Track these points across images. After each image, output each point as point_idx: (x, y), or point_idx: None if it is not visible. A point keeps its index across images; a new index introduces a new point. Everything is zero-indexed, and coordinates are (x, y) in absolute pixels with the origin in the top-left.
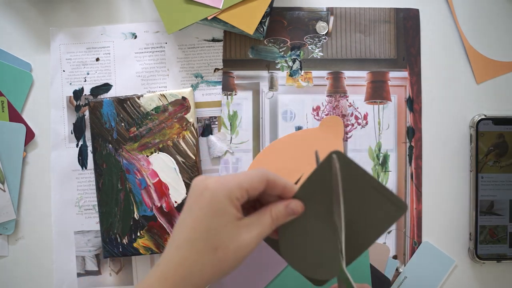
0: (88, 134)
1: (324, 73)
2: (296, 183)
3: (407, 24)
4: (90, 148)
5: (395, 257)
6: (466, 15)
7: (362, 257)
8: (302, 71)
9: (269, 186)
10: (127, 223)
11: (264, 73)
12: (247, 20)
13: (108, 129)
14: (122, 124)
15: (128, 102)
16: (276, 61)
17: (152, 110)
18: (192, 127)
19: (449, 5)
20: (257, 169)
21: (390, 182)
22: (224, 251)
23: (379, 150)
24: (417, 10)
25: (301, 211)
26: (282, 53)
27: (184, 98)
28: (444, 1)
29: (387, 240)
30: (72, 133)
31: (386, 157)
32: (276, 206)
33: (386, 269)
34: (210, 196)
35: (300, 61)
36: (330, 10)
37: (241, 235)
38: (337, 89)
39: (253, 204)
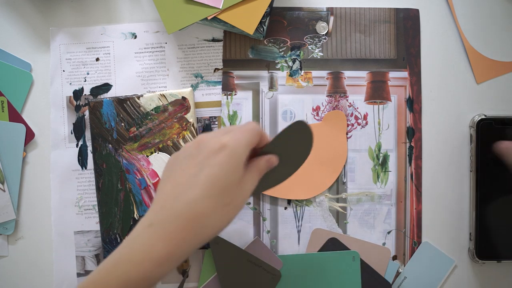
0: (88, 134)
1: (324, 73)
2: None
3: (407, 24)
4: (90, 148)
5: (394, 257)
6: (466, 15)
7: (353, 264)
8: (302, 71)
9: (260, 140)
10: (127, 223)
11: (264, 73)
12: (247, 20)
13: (108, 129)
14: (122, 124)
15: (128, 102)
16: (276, 61)
17: (152, 110)
18: (192, 127)
19: (449, 5)
20: (249, 123)
21: (390, 182)
22: (232, 206)
23: (379, 150)
24: (417, 10)
25: (275, 164)
26: (282, 53)
27: (184, 98)
28: (444, 1)
29: (387, 241)
30: (72, 133)
31: (386, 157)
32: (260, 161)
33: (386, 272)
34: (229, 154)
35: (300, 61)
36: (330, 10)
37: (243, 190)
38: (337, 89)
39: None
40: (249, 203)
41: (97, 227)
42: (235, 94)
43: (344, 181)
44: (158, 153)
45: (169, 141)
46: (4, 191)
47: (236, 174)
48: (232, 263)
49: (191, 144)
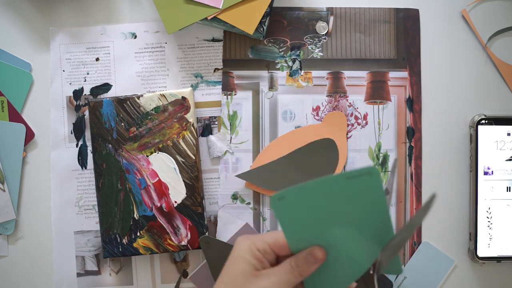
0: (88, 134)
1: (324, 73)
2: None
3: (407, 24)
4: (90, 148)
5: None
6: (469, 16)
7: (370, 181)
8: (302, 71)
9: None
10: (127, 223)
11: (264, 73)
12: (247, 20)
13: (108, 129)
14: (122, 124)
15: (128, 102)
16: (276, 61)
17: (152, 110)
18: (192, 127)
19: (449, 5)
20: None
21: (390, 182)
22: None
23: (379, 150)
24: (417, 10)
25: (323, 258)
26: (282, 53)
27: (184, 98)
28: (444, 1)
29: None
30: (72, 133)
31: (386, 157)
32: (297, 255)
33: None
34: (236, 248)
35: (300, 61)
36: (330, 10)
37: (259, 281)
38: (337, 89)
39: None
40: (249, 203)
41: (97, 227)
42: (235, 94)
43: None
44: (158, 153)
45: (169, 141)
46: (4, 191)
47: (240, 264)
48: (224, 260)
49: None
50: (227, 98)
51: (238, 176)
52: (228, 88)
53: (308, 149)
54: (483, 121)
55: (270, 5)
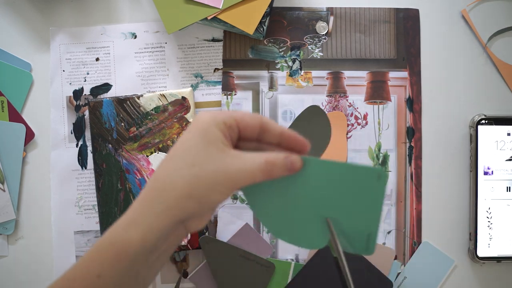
0: (88, 134)
1: (324, 73)
2: None
3: (407, 24)
4: (90, 148)
5: (394, 257)
6: (468, 16)
7: (377, 183)
8: (302, 71)
9: (264, 130)
10: None
11: (264, 73)
12: (247, 20)
13: (108, 129)
14: (122, 124)
15: (128, 102)
16: (276, 61)
17: (152, 110)
18: None
19: (449, 5)
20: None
21: (390, 182)
22: (201, 168)
23: (379, 150)
24: (417, 10)
25: (299, 168)
26: (282, 53)
27: (184, 98)
28: (444, 1)
29: (387, 241)
30: (72, 133)
31: (386, 157)
32: (276, 153)
33: (390, 272)
34: (197, 120)
35: (300, 61)
36: (330, 10)
37: (224, 159)
38: (337, 89)
39: None
40: None
41: (97, 227)
42: (235, 94)
43: None
44: (158, 153)
45: (169, 141)
46: (4, 191)
47: (205, 138)
48: (224, 260)
49: None
50: (227, 98)
51: None
52: (228, 88)
53: (296, 125)
54: (483, 121)
55: (270, 5)
